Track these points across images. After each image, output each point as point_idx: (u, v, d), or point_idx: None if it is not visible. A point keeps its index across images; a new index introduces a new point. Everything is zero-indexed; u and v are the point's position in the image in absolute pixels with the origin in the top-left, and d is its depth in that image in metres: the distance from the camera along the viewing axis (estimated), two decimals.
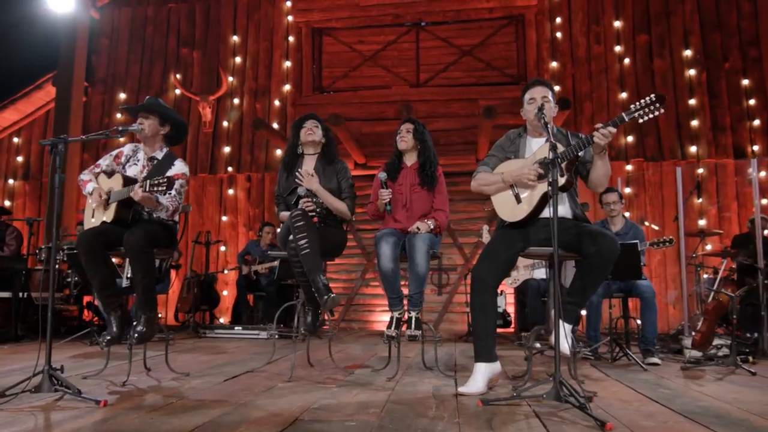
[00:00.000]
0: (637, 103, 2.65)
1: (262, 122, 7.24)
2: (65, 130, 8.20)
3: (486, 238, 6.22)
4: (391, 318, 3.33)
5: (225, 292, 7.97)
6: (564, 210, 3.00)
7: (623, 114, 2.67)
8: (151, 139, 3.36)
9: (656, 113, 2.63)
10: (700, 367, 3.71)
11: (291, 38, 8.71)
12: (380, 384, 3.05)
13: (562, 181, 2.82)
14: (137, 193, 2.96)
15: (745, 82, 7.62)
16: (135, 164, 3.37)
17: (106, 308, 3.08)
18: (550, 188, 2.57)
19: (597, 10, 8.10)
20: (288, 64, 8.66)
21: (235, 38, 8.83)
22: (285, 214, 3.48)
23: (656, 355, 3.96)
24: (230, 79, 8.67)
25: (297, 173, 3.48)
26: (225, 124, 8.62)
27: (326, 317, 3.96)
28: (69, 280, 5.92)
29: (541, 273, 5.65)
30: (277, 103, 8.60)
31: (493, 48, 8.41)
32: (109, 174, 3.36)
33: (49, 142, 2.64)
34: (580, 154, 2.83)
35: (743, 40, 7.70)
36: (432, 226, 3.37)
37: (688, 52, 7.79)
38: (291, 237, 3.13)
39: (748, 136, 7.54)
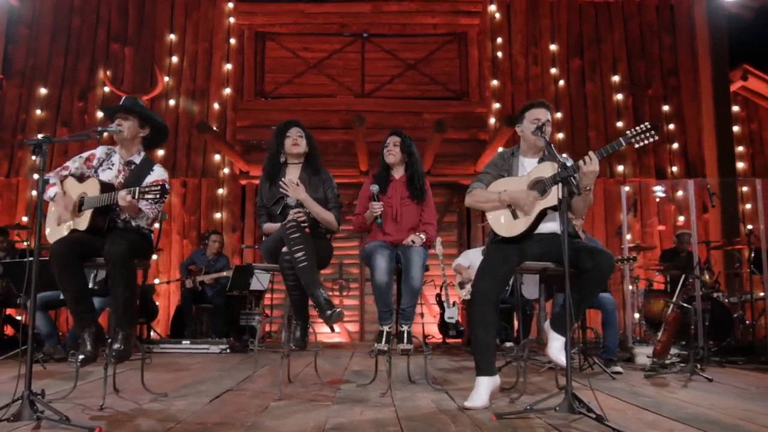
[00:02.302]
0: (633, 130, 2.80)
1: (207, 126, 6.94)
2: None
3: (439, 249, 6.31)
4: (381, 332, 3.28)
5: (157, 303, 7.52)
6: (555, 226, 3.09)
7: (621, 139, 2.81)
8: (129, 141, 3.12)
9: (650, 140, 2.79)
10: (661, 374, 3.96)
11: (232, 41, 8.43)
12: (377, 400, 2.99)
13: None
14: (124, 199, 2.73)
15: (666, 108, 8.28)
16: (109, 168, 3.12)
17: (80, 324, 2.82)
18: (559, 203, 2.66)
19: (535, 33, 8.49)
20: (229, 66, 8.36)
21: (172, 36, 8.41)
22: (270, 226, 3.34)
23: (618, 364, 4.18)
24: (166, 79, 8.25)
25: (281, 182, 3.36)
26: None
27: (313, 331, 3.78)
28: None
29: None
30: (216, 106, 8.27)
31: (437, 63, 8.59)
32: (79, 178, 3.09)
33: (35, 141, 2.39)
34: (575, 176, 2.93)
35: (664, 69, 8.37)
36: (424, 239, 3.37)
37: (616, 78, 8.35)
38: (285, 249, 3.01)
39: (668, 157, 8.19)
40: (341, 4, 8.40)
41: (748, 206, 7.97)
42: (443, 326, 6.12)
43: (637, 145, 2.82)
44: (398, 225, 3.45)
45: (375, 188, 3.40)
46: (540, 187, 2.94)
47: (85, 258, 2.84)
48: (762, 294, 5.92)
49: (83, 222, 2.91)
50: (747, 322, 5.76)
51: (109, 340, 2.89)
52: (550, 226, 3.07)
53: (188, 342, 5.43)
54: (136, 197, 2.72)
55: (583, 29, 8.49)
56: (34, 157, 2.39)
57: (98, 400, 2.81)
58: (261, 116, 8.27)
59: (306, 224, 3.17)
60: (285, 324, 3.27)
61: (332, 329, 4.17)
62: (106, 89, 8.18)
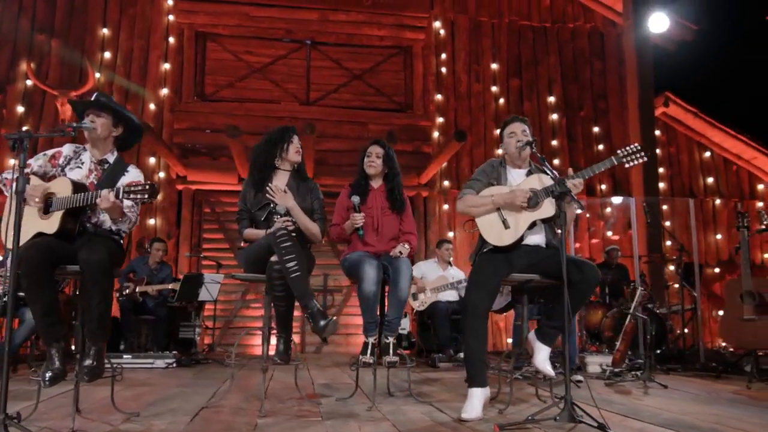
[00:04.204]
0: (624, 150, 2.95)
1: (147, 127, 6.55)
2: None
3: None
4: (366, 344, 3.21)
5: None
6: (540, 239, 3.17)
7: (612, 158, 2.94)
8: (102, 141, 2.88)
9: (640, 160, 2.94)
10: (619, 382, 4.14)
11: (171, 39, 8.07)
12: (367, 414, 2.92)
13: (551, 212, 3.01)
14: (108, 199, 2.50)
15: (596, 129, 8.79)
16: (78, 167, 2.86)
17: (48, 338, 2.55)
18: (556, 216, 2.73)
19: (477, 51, 8.76)
20: (167, 66, 7.99)
21: (105, 31, 7.92)
22: (253, 232, 3.20)
23: (577, 373, 4.33)
24: (97, 75, 7.73)
25: (269, 188, 3.22)
26: None
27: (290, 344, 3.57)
28: None
29: (446, 296, 5.88)
30: (152, 107, 7.86)
31: (383, 75, 8.64)
32: (42, 177, 2.81)
33: (16, 135, 2.15)
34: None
35: (595, 93, 8.90)
36: (409, 249, 3.35)
37: (551, 99, 8.77)
38: (274, 258, 2.89)
39: (598, 176, 8.68)
40: (288, 10, 8.27)
41: (668, 223, 8.59)
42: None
43: (627, 165, 2.96)
44: (379, 236, 3.40)
45: (356, 199, 3.34)
46: (533, 199, 3.00)
47: (56, 265, 2.58)
48: (680, 306, 6.37)
49: (53, 224, 2.64)
50: (678, 332, 6.18)
51: (78, 356, 2.64)
52: (536, 238, 3.14)
53: (130, 356, 5.05)
54: (121, 197, 2.50)
55: (521, 51, 8.86)
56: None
57: (63, 422, 2.57)
58: (200, 119, 7.96)
59: (294, 233, 3.06)
60: (265, 336, 3.13)
61: (325, 340, 4.04)
62: (29, 83, 7.56)
